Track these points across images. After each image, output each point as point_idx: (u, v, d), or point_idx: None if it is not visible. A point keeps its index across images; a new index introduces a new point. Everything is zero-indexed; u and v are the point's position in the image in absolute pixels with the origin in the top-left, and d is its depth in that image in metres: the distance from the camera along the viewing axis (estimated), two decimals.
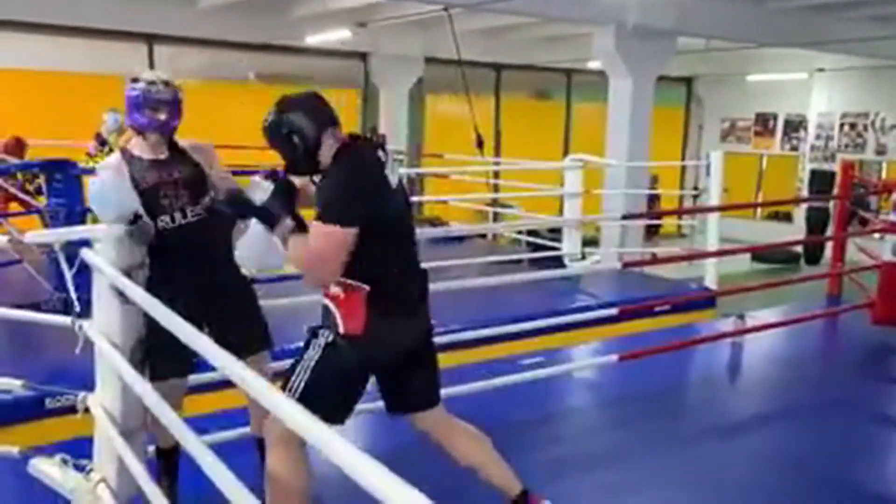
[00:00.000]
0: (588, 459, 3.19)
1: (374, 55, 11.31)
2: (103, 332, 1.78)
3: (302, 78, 11.26)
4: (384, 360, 2.28)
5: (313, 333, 2.20)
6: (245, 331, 2.58)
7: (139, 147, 2.60)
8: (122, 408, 1.81)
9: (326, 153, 2.17)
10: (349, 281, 2.13)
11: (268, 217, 2.18)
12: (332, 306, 2.17)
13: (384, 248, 2.17)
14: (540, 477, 2.96)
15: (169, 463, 2.54)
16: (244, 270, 2.61)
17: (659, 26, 8.65)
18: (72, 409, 2.01)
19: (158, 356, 2.32)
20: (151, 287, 2.41)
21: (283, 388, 2.14)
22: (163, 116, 2.53)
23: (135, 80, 2.58)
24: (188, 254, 2.49)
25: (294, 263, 2.16)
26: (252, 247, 2.31)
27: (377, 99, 11.91)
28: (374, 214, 2.10)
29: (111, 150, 6.73)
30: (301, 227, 2.17)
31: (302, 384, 2.12)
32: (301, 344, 2.22)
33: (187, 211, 2.52)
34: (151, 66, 10.17)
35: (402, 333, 2.29)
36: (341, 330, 2.14)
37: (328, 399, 2.13)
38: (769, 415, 3.86)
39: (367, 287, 2.13)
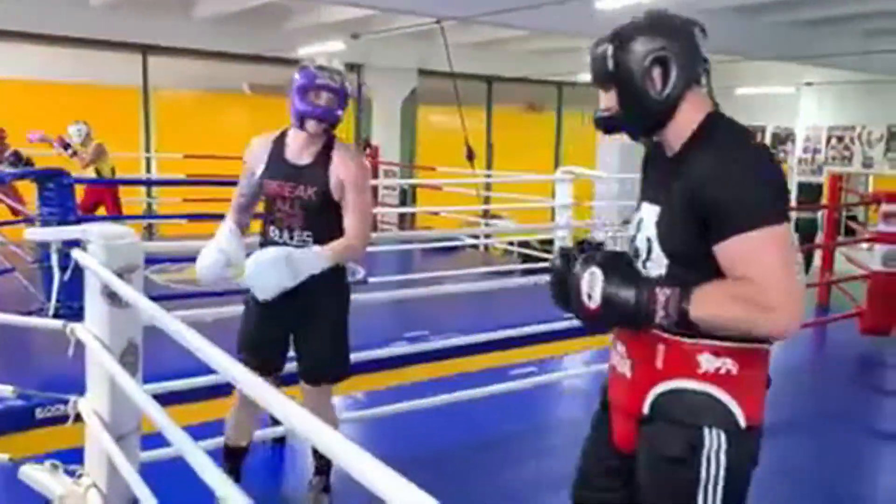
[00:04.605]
0: None
1: (367, 67, 11.36)
2: (95, 334, 1.78)
3: None
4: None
5: (670, 455, 1.45)
6: (315, 357, 2.49)
7: (291, 140, 2.46)
8: (113, 412, 1.80)
9: (686, 116, 1.46)
10: (745, 344, 1.42)
11: (636, 309, 1.38)
12: (713, 391, 1.42)
13: None
14: (532, 489, 2.96)
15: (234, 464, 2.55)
16: (263, 296, 2.37)
17: None
18: (63, 419, 2.00)
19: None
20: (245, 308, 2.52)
21: None
22: (324, 103, 2.36)
23: (303, 67, 2.43)
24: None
25: (737, 322, 1.36)
26: (269, 273, 2.25)
27: (370, 110, 11.95)
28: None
29: (74, 153, 6.97)
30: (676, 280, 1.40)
31: None
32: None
33: (294, 234, 2.41)
34: (145, 76, 10.21)
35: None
36: (742, 422, 1.43)
37: None
38: (765, 424, 3.87)
39: (768, 346, 1.46)
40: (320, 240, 2.36)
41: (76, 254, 1.94)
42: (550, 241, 7.27)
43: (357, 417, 3.31)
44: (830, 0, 8.17)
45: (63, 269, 2.33)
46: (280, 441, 3.15)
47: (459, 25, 8.64)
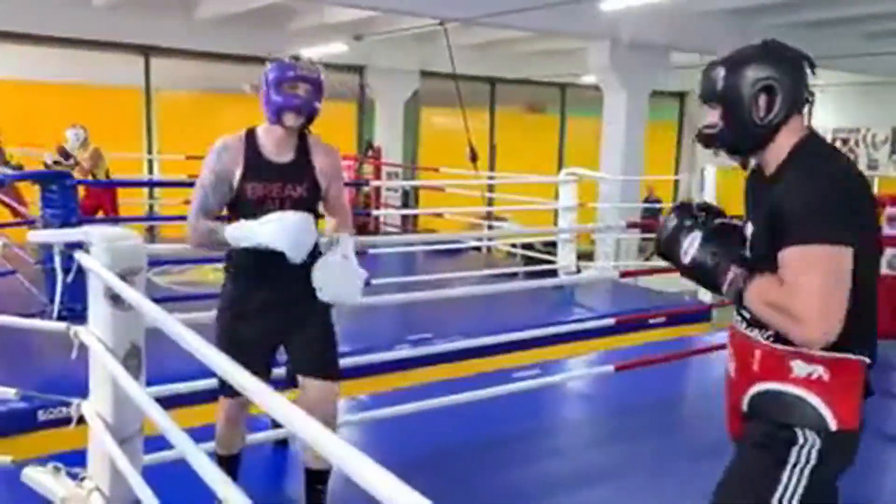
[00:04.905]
0: (584, 474, 3.18)
1: (369, 68, 11.36)
2: (98, 336, 1.77)
3: None
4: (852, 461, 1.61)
5: (765, 449, 1.57)
6: (320, 355, 2.40)
7: (264, 138, 2.32)
8: (116, 414, 1.79)
9: (784, 140, 1.58)
10: (838, 354, 1.50)
11: (713, 276, 1.61)
12: (805, 395, 1.52)
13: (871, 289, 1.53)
14: (536, 492, 2.95)
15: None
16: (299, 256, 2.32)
17: (653, 41, 8.74)
18: (66, 422, 1.99)
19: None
20: (228, 300, 2.35)
21: None
22: (302, 94, 2.25)
23: (275, 60, 2.32)
24: (273, 273, 2.28)
25: (774, 319, 1.51)
26: (333, 279, 2.22)
27: (373, 112, 11.95)
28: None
29: (76, 164, 6.99)
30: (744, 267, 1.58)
31: None
32: None
33: None
34: (147, 77, 10.22)
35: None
36: (832, 426, 1.51)
37: None
38: None
39: (864, 359, 1.55)
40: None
41: (79, 256, 1.93)
42: (554, 244, 7.26)
43: (361, 420, 3.30)
44: (831, 2, 8.16)
45: (66, 271, 2.32)
46: (282, 443, 3.13)
47: (462, 27, 8.65)
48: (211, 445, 2.50)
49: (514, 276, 6.88)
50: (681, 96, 15.20)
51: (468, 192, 8.62)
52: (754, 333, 1.62)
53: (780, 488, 1.54)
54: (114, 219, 6.97)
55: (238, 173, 2.28)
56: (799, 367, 1.52)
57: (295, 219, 2.17)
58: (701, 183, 6.81)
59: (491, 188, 8.87)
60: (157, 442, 1.84)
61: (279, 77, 2.25)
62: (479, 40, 10.40)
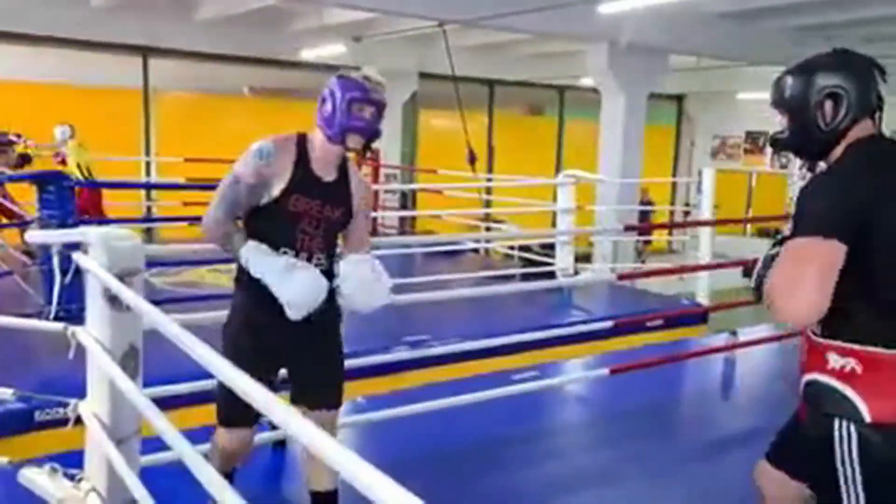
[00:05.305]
0: (581, 476, 3.18)
1: (368, 70, 11.36)
2: (95, 337, 1.77)
3: (296, 92, 11.30)
4: None
5: (819, 437, 1.66)
6: (326, 384, 2.31)
7: (316, 151, 2.20)
8: (114, 415, 1.79)
9: (845, 145, 1.67)
10: (871, 348, 1.59)
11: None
12: (838, 385, 1.62)
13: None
14: (534, 494, 2.95)
15: None
16: (344, 307, 2.30)
17: (652, 44, 8.75)
18: (63, 422, 1.99)
19: (225, 398, 2.08)
20: (238, 311, 2.22)
21: None
22: (368, 116, 2.16)
23: (344, 78, 2.19)
24: None
25: (767, 304, 1.64)
26: (362, 286, 2.19)
27: None
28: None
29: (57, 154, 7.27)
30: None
31: None
32: None
33: (314, 257, 2.19)
34: (146, 79, 10.21)
35: None
36: (867, 417, 1.59)
37: None
38: (763, 430, 3.83)
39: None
40: (330, 263, 2.25)
41: (77, 257, 1.93)
42: (551, 246, 7.26)
43: (358, 422, 3.30)
44: (830, 6, 8.18)
45: (63, 272, 2.31)
46: (280, 444, 3.13)
47: (461, 29, 8.66)
48: (209, 447, 2.49)
49: (511, 278, 6.89)
50: (679, 99, 15.24)
51: (466, 195, 8.63)
52: (810, 331, 1.72)
53: (842, 479, 1.62)
54: (109, 221, 6.96)
55: (284, 182, 2.13)
56: (834, 360, 1.62)
57: (321, 285, 2.10)
58: (699, 185, 6.82)
59: (489, 190, 8.88)
60: (155, 443, 1.84)
61: (353, 97, 2.14)
62: (478, 42, 10.41)
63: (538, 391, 3.71)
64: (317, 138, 2.20)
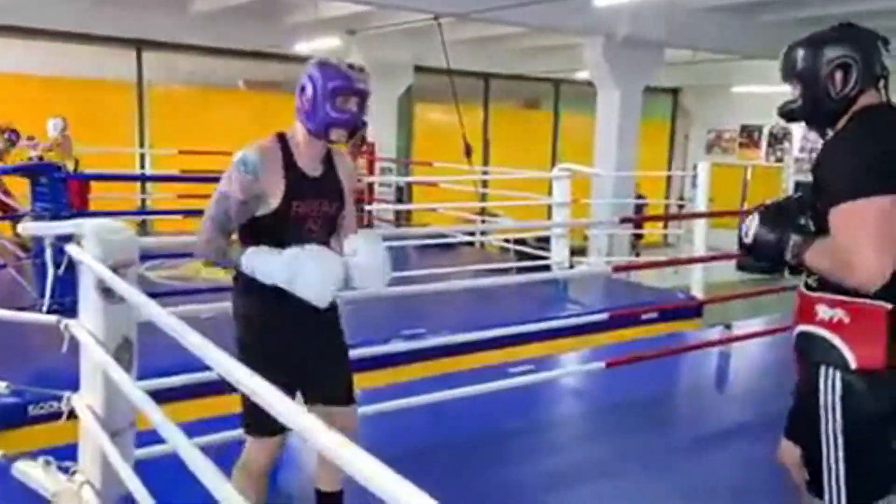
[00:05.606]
0: (577, 469, 3.19)
1: (363, 63, 11.33)
2: (89, 330, 1.76)
3: (290, 85, 11.25)
4: None
5: (806, 386, 1.78)
6: (342, 380, 2.28)
7: (299, 148, 2.10)
8: (108, 407, 1.78)
9: (848, 115, 1.77)
10: (858, 299, 1.68)
11: (776, 248, 1.78)
12: (827, 335, 1.72)
13: None
14: (529, 487, 2.95)
15: None
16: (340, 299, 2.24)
17: (648, 38, 8.73)
18: (57, 416, 1.98)
19: (256, 408, 2.04)
20: (252, 313, 2.12)
21: (814, 476, 1.77)
22: (353, 108, 2.07)
23: (324, 65, 2.07)
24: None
25: (835, 274, 1.68)
26: (371, 273, 2.11)
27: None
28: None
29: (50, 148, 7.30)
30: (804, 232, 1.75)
31: (842, 466, 1.71)
32: None
33: None
34: (140, 72, 10.16)
35: None
36: (852, 363, 1.68)
37: (873, 476, 1.74)
38: (758, 423, 3.86)
39: (886, 305, 1.66)
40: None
41: (70, 249, 1.91)
42: (547, 239, 7.26)
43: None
44: None
45: (57, 264, 2.30)
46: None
47: (456, 22, 8.63)
48: (204, 440, 2.49)
49: (507, 271, 6.88)
50: (674, 92, 15.23)
51: (462, 188, 8.63)
52: (803, 286, 1.83)
53: (822, 427, 1.73)
54: (104, 213, 6.94)
55: (280, 191, 2.04)
56: (823, 311, 1.73)
57: (332, 265, 2.00)
58: (694, 179, 6.82)
59: (485, 184, 8.87)
60: (150, 436, 1.83)
61: (335, 87, 2.03)
62: (474, 36, 10.38)
63: (534, 385, 3.71)
64: (299, 133, 2.11)
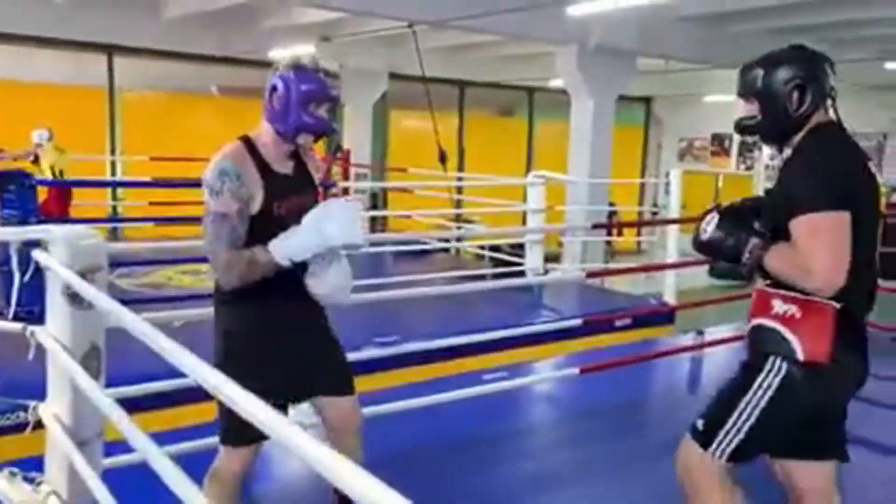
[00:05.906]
0: (551, 475, 3.19)
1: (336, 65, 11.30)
2: (55, 336, 1.72)
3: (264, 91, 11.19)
4: (840, 401, 1.97)
5: (749, 368, 1.93)
6: (341, 371, 2.30)
7: (267, 148, 2.06)
8: (75, 416, 1.74)
9: (807, 129, 1.91)
10: (811, 297, 1.81)
11: (733, 248, 1.90)
12: (779, 328, 1.86)
13: (855, 249, 1.78)
14: (503, 493, 2.95)
15: None
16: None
17: (620, 47, 8.83)
18: (23, 426, 1.93)
19: (234, 416, 1.99)
20: (241, 325, 2.06)
21: (712, 429, 1.96)
22: (325, 114, 2.05)
23: (299, 67, 2.02)
24: (287, 287, 2.06)
25: (792, 277, 1.82)
26: (341, 280, 2.08)
27: (341, 113, 11.89)
28: (851, 196, 1.78)
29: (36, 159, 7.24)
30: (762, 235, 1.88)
31: (744, 431, 1.88)
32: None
33: None
34: (111, 77, 10.04)
35: (860, 368, 1.92)
36: (800, 356, 1.83)
37: (756, 449, 1.95)
38: None
39: (834, 304, 1.80)
40: None
41: (37, 254, 1.88)
42: (521, 246, 7.28)
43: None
44: (795, 10, 8.32)
45: (23, 271, 2.26)
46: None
47: (431, 30, 8.65)
48: (174, 448, 2.45)
49: (482, 278, 6.89)
50: (647, 101, 15.40)
51: (437, 195, 8.64)
52: (762, 284, 1.95)
53: (746, 398, 1.88)
54: (74, 220, 6.84)
55: (260, 193, 2.01)
56: (778, 306, 1.86)
57: (354, 208, 2.02)
58: (667, 187, 6.89)
59: (460, 190, 8.88)
60: (120, 446, 1.80)
61: (309, 92, 2.00)
62: (448, 44, 10.41)
63: (508, 391, 3.71)
64: (266, 134, 2.07)
